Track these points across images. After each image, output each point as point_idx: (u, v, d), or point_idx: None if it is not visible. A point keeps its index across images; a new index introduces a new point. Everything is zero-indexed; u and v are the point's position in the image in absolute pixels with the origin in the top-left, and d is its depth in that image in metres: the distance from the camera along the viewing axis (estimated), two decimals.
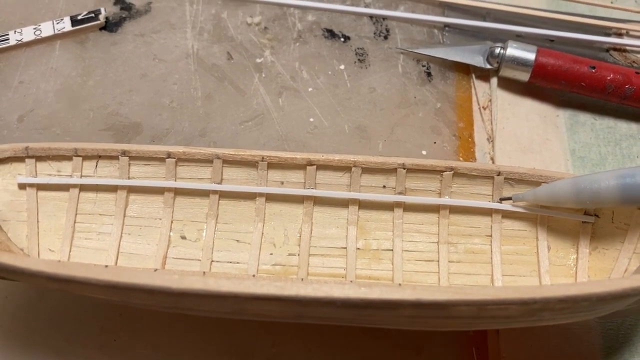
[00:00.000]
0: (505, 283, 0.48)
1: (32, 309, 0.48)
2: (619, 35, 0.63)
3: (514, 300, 0.35)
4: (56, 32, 0.60)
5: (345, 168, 0.50)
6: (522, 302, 0.35)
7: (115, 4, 0.63)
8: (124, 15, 0.63)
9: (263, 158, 0.50)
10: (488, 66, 0.60)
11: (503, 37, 0.61)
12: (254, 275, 0.48)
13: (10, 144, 0.49)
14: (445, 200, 0.50)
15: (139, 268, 0.48)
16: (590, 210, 0.49)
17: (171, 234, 0.50)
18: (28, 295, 0.49)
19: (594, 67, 0.57)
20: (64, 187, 0.50)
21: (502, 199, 0.50)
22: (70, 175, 0.50)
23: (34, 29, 0.60)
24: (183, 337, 0.48)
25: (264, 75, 0.60)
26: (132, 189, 0.50)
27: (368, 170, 0.50)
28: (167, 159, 0.50)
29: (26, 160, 0.50)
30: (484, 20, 0.64)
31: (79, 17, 0.61)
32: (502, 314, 0.37)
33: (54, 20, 0.61)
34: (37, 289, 0.49)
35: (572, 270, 0.49)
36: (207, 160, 0.50)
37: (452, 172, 0.49)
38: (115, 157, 0.50)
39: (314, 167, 0.50)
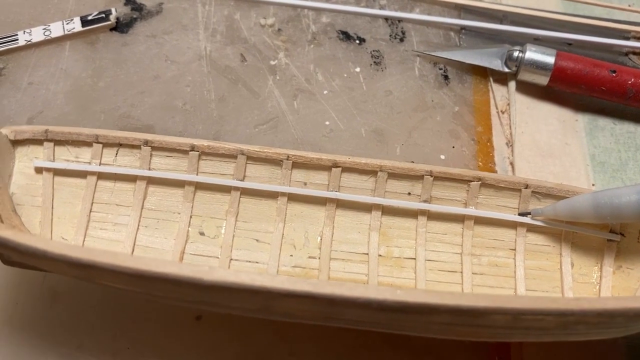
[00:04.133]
0: None
1: (44, 315, 0.47)
2: (638, 38, 0.62)
3: (552, 311, 0.34)
4: (66, 32, 0.59)
5: (370, 172, 0.49)
6: (560, 313, 0.34)
7: (126, 4, 0.62)
8: (135, 16, 0.61)
9: (288, 157, 0.49)
10: (506, 69, 0.59)
11: (520, 40, 0.61)
12: None
13: (30, 126, 0.48)
14: (471, 210, 0.49)
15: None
16: (616, 228, 0.48)
17: (189, 229, 0.49)
18: (40, 301, 0.47)
19: (614, 71, 0.56)
20: (82, 174, 0.49)
21: (521, 214, 0.49)
22: (89, 162, 0.49)
23: (44, 29, 0.59)
24: (198, 344, 0.47)
25: (278, 78, 0.59)
26: (151, 181, 0.49)
27: (394, 175, 0.49)
28: (191, 152, 0.49)
29: (44, 143, 0.48)
30: (501, 23, 0.63)
31: (89, 18, 0.60)
32: (537, 325, 0.35)
33: (64, 21, 0.60)
34: (49, 294, 0.47)
35: (595, 288, 0.48)
36: (231, 156, 0.49)
37: (480, 182, 0.48)
38: (137, 147, 0.49)
39: (339, 169, 0.49)
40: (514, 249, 0.49)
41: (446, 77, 0.60)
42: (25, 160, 0.48)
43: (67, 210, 0.48)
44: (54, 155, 0.49)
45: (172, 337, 0.47)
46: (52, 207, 0.48)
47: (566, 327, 0.36)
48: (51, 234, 0.47)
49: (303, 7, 0.63)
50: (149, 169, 0.49)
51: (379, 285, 0.47)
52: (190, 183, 0.49)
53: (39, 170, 0.48)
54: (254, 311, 0.40)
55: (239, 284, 0.33)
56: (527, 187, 0.49)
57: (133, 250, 0.48)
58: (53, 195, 0.48)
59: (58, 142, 0.49)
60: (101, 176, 0.49)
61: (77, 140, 0.49)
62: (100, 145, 0.49)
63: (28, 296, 0.47)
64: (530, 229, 0.49)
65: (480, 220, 0.49)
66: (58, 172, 0.49)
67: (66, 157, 0.49)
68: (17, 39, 0.59)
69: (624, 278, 0.48)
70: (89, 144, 0.49)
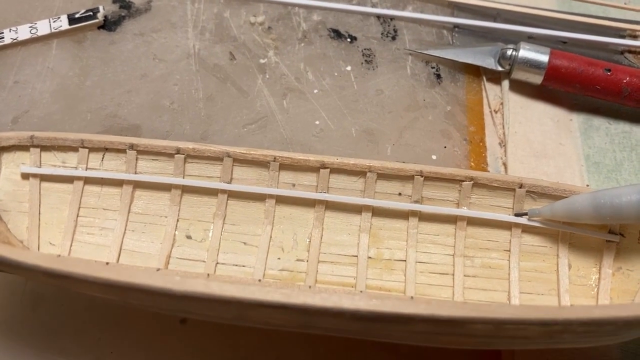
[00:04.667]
0: (523, 301, 0.46)
1: (25, 320, 0.46)
2: (634, 37, 0.61)
3: (534, 320, 0.33)
4: (53, 30, 0.58)
5: (360, 173, 0.48)
6: (543, 323, 0.33)
7: (114, 2, 0.61)
8: (123, 14, 0.60)
9: (275, 158, 0.48)
10: (499, 68, 0.58)
11: (514, 39, 0.60)
12: (260, 280, 0.46)
13: (16, 132, 0.48)
14: (463, 211, 0.48)
15: (140, 267, 0.47)
16: (615, 228, 0.47)
17: (176, 232, 0.48)
18: (21, 304, 0.46)
19: (609, 70, 0.55)
20: (68, 179, 0.49)
21: (517, 214, 0.48)
22: (76, 167, 0.49)
23: (30, 27, 0.58)
24: (183, 349, 0.46)
25: (267, 77, 0.58)
26: (138, 185, 0.49)
27: (384, 176, 0.48)
28: (176, 155, 0.48)
29: (31, 149, 0.48)
30: (494, 21, 0.62)
31: (77, 16, 0.59)
32: (520, 334, 0.35)
33: (51, 19, 0.59)
34: (31, 297, 0.47)
35: (594, 291, 0.47)
36: (217, 158, 0.48)
37: (472, 182, 0.48)
38: (123, 151, 0.48)
39: (328, 170, 0.48)
40: (509, 250, 0.48)
41: (438, 76, 0.59)
42: (12, 166, 0.48)
43: (54, 216, 0.48)
44: (40, 161, 0.48)
45: (157, 341, 0.46)
46: (39, 213, 0.48)
47: (552, 337, 0.35)
48: (38, 240, 0.47)
49: (294, 5, 0.62)
50: (135, 173, 0.49)
51: (367, 289, 0.46)
52: (176, 186, 0.49)
53: (25, 176, 0.48)
54: (231, 319, 0.39)
55: (209, 295, 0.33)
56: (521, 186, 0.48)
57: (119, 255, 0.47)
58: (40, 201, 0.48)
59: (44, 148, 0.48)
60: (88, 181, 0.49)
61: (63, 146, 0.48)
62: (87, 150, 0.48)
63: (9, 299, 0.47)
64: (526, 229, 0.48)
65: (473, 221, 0.48)
66: (45, 178, 0.48)
67: (53, 163, 0.49)
68: (3, 37, 0.58)
69: (623, 280, 0.47)
70: (75, 149, 0.49)
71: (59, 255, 0.46)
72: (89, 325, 0.46)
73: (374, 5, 0.62)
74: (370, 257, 0.48)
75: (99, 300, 0.46)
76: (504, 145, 0.55)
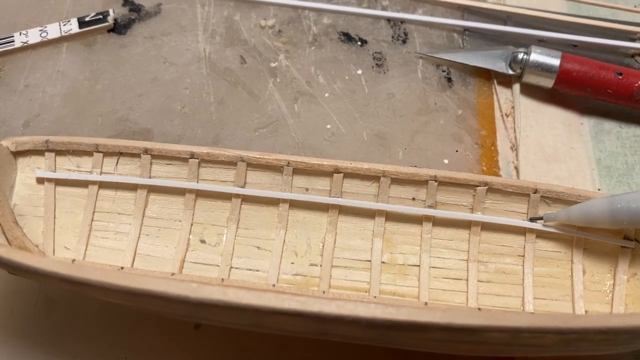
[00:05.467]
0: (537, 307, 0.46)
1: (39, 324, 0.46)
2: None
3: (550, 329, 0.33)
4: (63, 34, 0.58)
5: (373, 177, 0.48)
6: (559, 331, 0.33)
7: (124, 5, 0.61)
8: (133, 17, 0.60)
9: (289, 163, 0.48)
10: (510, 72, 0.58)
11: (524, 42, 0.60)
12: (274, 285, 0.46)
13: (31, 137, 0.48)
14: (478, 216, 0.48)
15: (156, 272, 0.47)
16: (631, 234, 0.47)
17: (190, 237, 0.48)
18: (35, 309, 0.46)
19: (621, 74, 0.55)
20: (83, 184, 0.49)
21: (532, 219, 0.48)
22: (90, 172, 0.49)
23: (40, 30, 0.58)
24: (197, 354, 0.46)
25: (278, 80, 0.58)
26: (152, 189, 0.49)
27: (397, 181, 0.48)
28: (190, 160, 0.48)
29: (46, 153, 0.48)
30: (505, 24, 0.62)
31: (87, 19, 0.59)
32: (536, 342, 0.34)
33: (61, 22, 0.59)
34: (45, 302, 0.47)
35: (608, 297, 0.47)
36: (231, 163, 0.48)
37: (486, 187, 0.47)
38: (137, 155, 0.49)
39: (341, 174, 0.48)
40: (523, 256, 0.48)
41: (449, 80, 0.59)
42: (27, 170, 0.48)
43: (69, 220, 0.48)
44: (55, 165, 0.48)
45: (170, 347, 0.46)
46: (55, 217, 0.48)
47: (568, 345, 0.35)
48: (54, 244, 0.47)
49: (304, 8, 0.62)
50: (150, 177, 0.49)
51: (381, 294, 0.46)
52: (190, 191, 0.49)
53: (40, 180, 0.48)
54: (247, 325, 0.39)
55: (226, 302, 0.33)
56: (536, 191, 0.47)
57: (134, 259, 0.47)
58: (55, 205, 0.48)
59: (59, 152, 0.49)
60: (102, 185, 0.49)
61: (77, 150, 0.49)
62: (101, 155, 0.49)
63: (24, 304, 0.46)
64: (540, 234, 0.48)
65: (487, 226, 0.48)
66: (60, 182, 0.49)
67: (67, 167, 0.49)
68: (14, 41, 0.58)
69: (638, 286, 0.46)
70: (89, 153, 0.49)
71: (74, 260, 0.46)
72: (102, 331, 0.46)
73: (384, 9, 0.62)
74: (383, 262, 0.48)
75: (112, 306, 0.46)
76: (515, 149, 0.55)
